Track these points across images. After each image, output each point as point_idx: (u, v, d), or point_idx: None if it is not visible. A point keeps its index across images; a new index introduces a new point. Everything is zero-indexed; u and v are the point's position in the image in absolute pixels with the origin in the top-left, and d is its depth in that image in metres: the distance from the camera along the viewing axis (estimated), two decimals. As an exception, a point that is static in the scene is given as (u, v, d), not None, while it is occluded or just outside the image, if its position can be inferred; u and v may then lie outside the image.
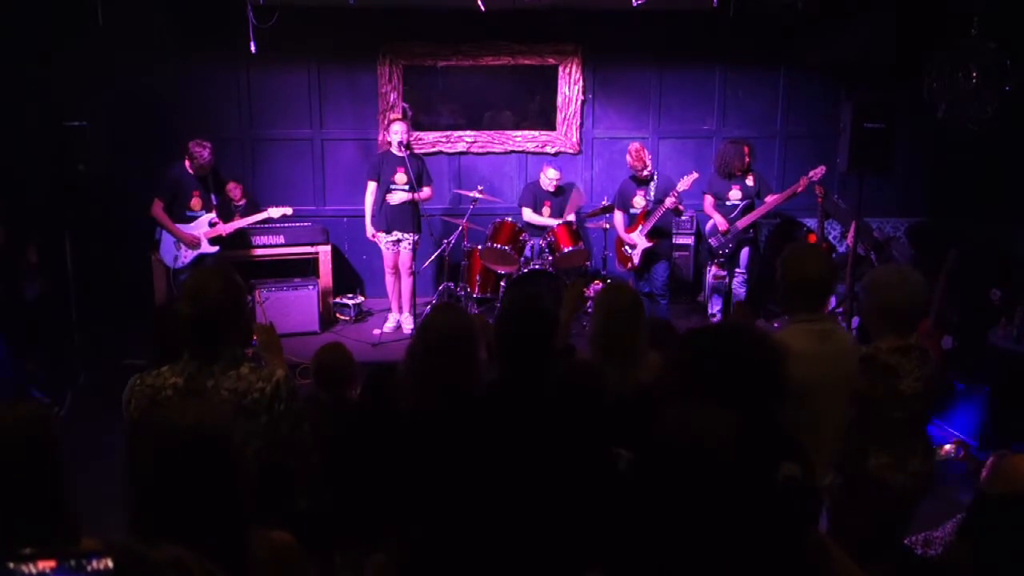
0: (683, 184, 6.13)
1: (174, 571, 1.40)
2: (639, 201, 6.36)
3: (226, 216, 6.26)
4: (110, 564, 1.28)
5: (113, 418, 3.01)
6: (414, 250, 6.42)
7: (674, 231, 6.93)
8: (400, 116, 6.60)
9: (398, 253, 6.41)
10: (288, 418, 2.18)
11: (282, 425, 2.17)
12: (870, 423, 2.78)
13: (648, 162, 6.31)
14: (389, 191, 6.26)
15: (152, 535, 1.45)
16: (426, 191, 6.37)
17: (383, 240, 6.38)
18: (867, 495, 2.78)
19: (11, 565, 1.26)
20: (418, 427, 2.47)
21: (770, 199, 6.35)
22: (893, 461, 2.77)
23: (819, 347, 2.60)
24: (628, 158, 6.36)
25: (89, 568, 1.28)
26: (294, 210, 6.63)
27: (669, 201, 6.10)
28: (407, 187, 6.23)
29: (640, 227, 6.28)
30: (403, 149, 6.19)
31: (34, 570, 1.27)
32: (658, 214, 6.18)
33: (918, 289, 2.76)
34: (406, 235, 6.35)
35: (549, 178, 6.76)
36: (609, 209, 6.61)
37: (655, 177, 6.37)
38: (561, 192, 6.92)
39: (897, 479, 2.76)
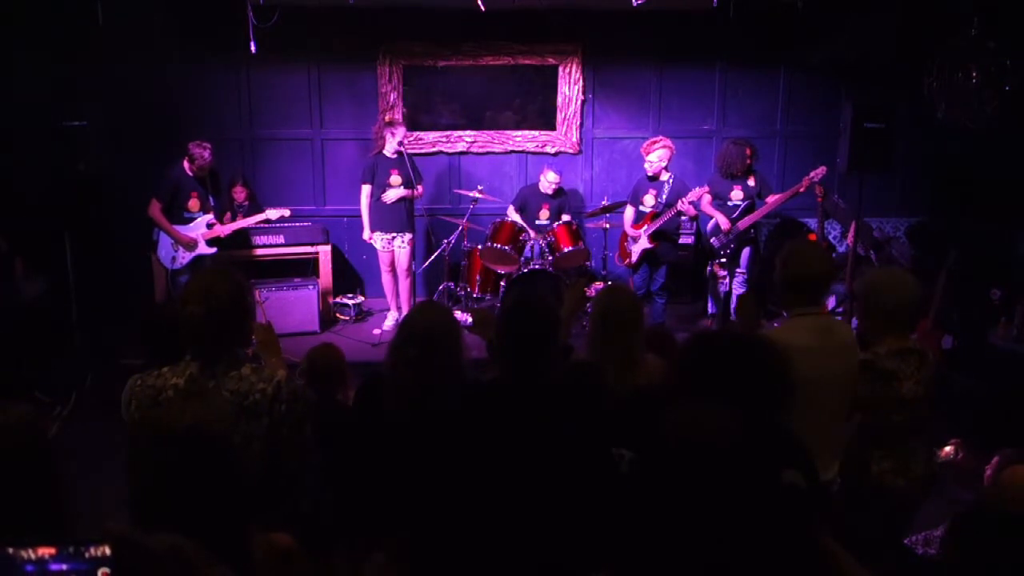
0: (693, 195, 6.17)
1: (171, 558, 1.40)
2: (649, 200, 6.38)
3: (224, 217, 6.27)
4: (107, 551, 1.28)
5: (113, 418, 3.02)
6: (411, 249, 6.44)
7: (681, 232, 6.93)
8: (400, 120, 6.64)
9: (392, 252, 6.43)
10: (289, 419, 2.17)
11: (283, 426, 2.16)
12: (871, 428, 2.78)
13: (655, 160, 6.30)
14: (384, 191, 6.29)
15: (151, 528, 1.45)
16: (419, 188, 6.41)
17: (378, 240, 6.40)
18: (868, 499, 2.79)
19: (11, 551, 1.27)
20: (410, 427, 2.47)
21: (771, 199, 6.36)
22: (895, 466, 2.77)
23: (820, 342, 2.61)
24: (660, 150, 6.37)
25: (87, 554, 1.29)
26: (294, 210, 6.64)
27: (686, 207, 6.13)
28: (402, 185, 6.28)
29: (645, 227, 6.30)
30: (396, 152, 6.25)
31: (33, 556, 1.28)
32: (666, 216, 6.21)
33: (912, 290, 2.76)
34: (400, 234, 6.37)
35: (549, 181, 6.76)
36: (609, 209, 6.62)
37: (669, 180, 6.38)
38: (560, 194, 6.92)
39: (898, 484, 2.76)
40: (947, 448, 4.52)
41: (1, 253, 5.71)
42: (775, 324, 5.80)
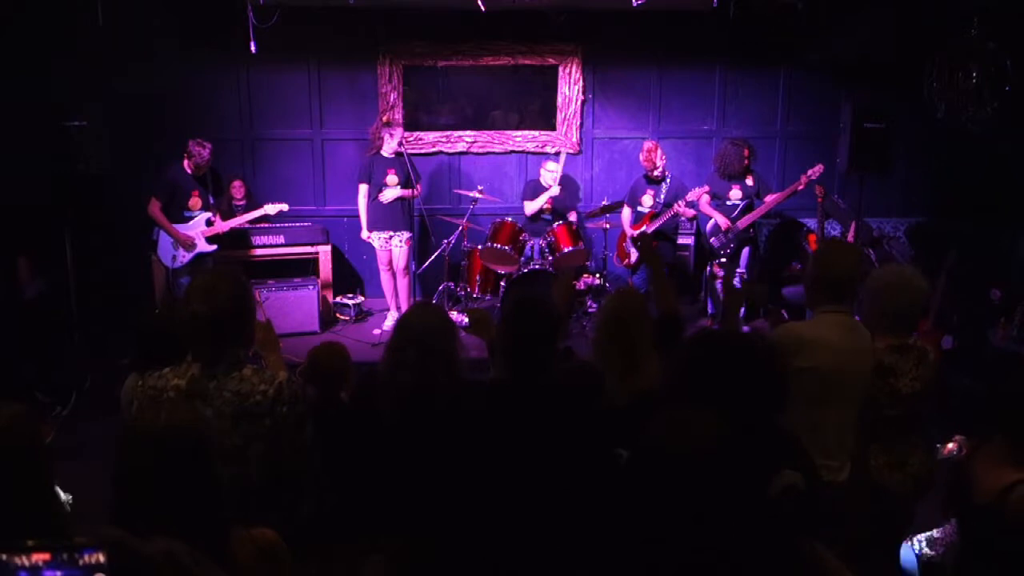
0: (693, 195, 6.21)
1: (166, 563, 1.40)
2: (647, 200, 6.39)
3: (224, 215, 6.28)
4: (102, 558, 1.28)
5: (113, 418, 3.01)
6: (409, 249, 6.45)
7: (680, 232, 6.95)
8: (399, 120, 6.64)
9: (390, 251, 6.43)
10: (291, 421, 2.17)
11: (285, 428, 2.16)
12: (868, 422, 2.79)
13: (659, 163, 6.33)
14: (380, 191, 6.30)
15: (135, 531, 1.45)
16: (417, 188, 6.46)
17: (376, 239, 6.41)
18: (866, 495, 2.79)
19: (4, 557, 1.27)
20: (409, 427, 2.47)
21: (769, 198, 6.38)
22: (892, 461, 2.78)
23: (848, 340, 2.62)
24: (640, 156, 6.43)
25: (81, 561, 1.29)
26: (294, 210, 6.62)
27: (684, 209, 6.17)
28: (399, 185, 6.31)
29: (644, 227, 6.30)
30: (394, 153, 6.27)
31: (27, 563, 1.28)
32: (665, 217, 6.22)
33: (919, 292, 2.77)
34: (398, 233, 6.39)
35: (549, 171, 6.75)
36: (609, 209, 6.62)
37: (667, 179, 6.40)
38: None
39: (895, 479, 2.77)
40: (950, 445, 4.50)
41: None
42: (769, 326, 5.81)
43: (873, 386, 2.74)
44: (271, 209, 6.28)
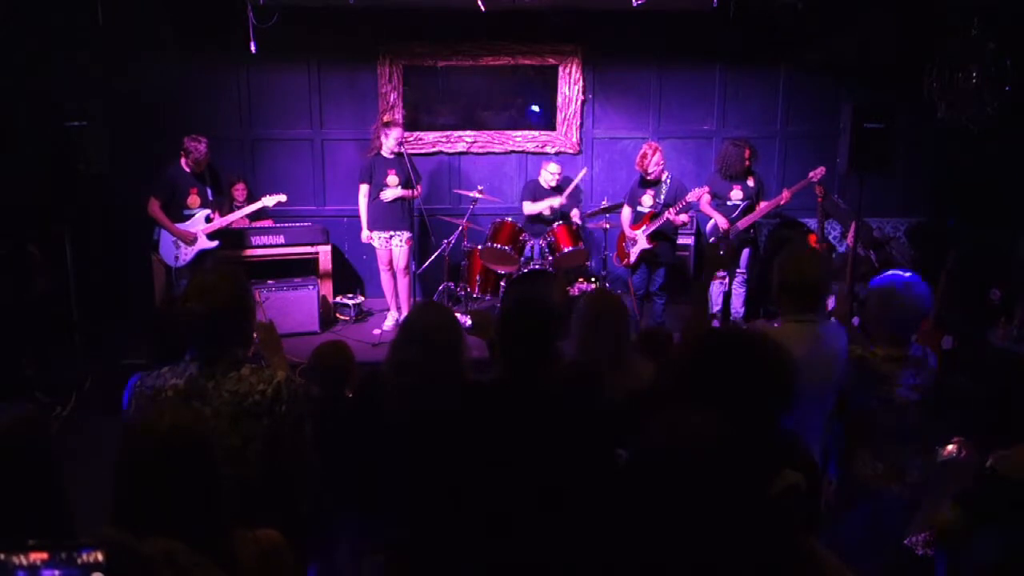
0: (693, 195, 6.20)
1: (165, 564, 1.40)
2: (647, 200, 6.39)
3: (224, 212, 6.29)
4: (100, 557, 1.28)
5: (113, 418, 3.01)
6: (410, 249, 6.46)
7: (681, 232, 6.94)
8: (398, 120, 6.64)
9: (391, 251, 6.44)
10: (290, 420, 2.17)
11: (283, 427, 2.16)
12: (861, 429, 2.78)
13: (651, 168, 6.29)
14: (381, 191, 6.31)
15: (135, 532, 1.45)
16: (418, 188, 6.46)
17: (377, 239, 6.42)
18: (864, 502, 2.79)
19: (2, 556, 1.27)
20: (411, 427, 2.47)
21: (762, 206, 6.41)
22: (890, 471, 2.77)
23: (807, 351, 2.59)
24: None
25: (79, 560, 1.29)
26: (295, 210, 6.62)
27: (675, 217, 6.17)
28: (400, 185, 6.32)
29: (644, 227, 6.30)
30: (393, 153, 6.28)
31: (25, 562, 1.28)
32: (663, 219, 6.21)
33: (921, 299, 2.76)
34: (398, 232, 6.40)
35: (551, 172, 6.75)
36: (609, 209, 6.62)
37: (666, 180, 6.38)
38: (560, 190, 6.92)
39: (893, 489, 2.76)
40: (950, 447, 4.50)
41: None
42: (775, 324, 5.80)
43: (868, 392, 2.73)
44: (269, 201, 6.28)
